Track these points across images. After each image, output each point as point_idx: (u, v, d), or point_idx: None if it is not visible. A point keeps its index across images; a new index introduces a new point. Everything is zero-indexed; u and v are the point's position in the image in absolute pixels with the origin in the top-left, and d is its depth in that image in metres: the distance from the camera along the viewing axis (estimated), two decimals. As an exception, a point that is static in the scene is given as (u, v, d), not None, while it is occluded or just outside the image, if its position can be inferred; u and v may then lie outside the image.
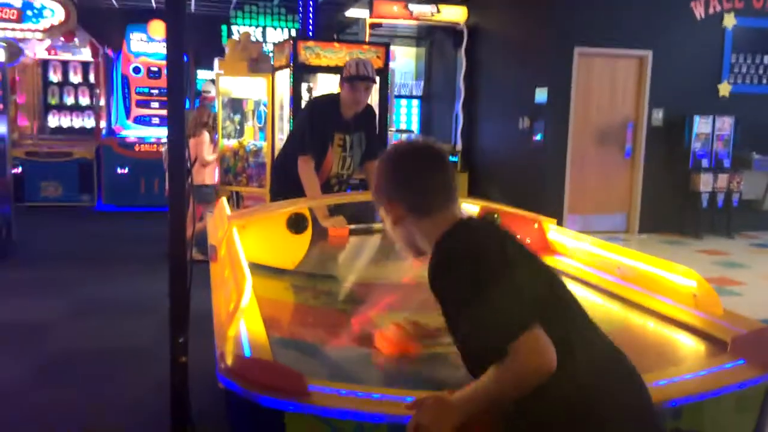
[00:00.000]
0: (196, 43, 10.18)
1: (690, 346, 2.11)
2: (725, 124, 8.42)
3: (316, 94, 6.96)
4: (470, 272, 1.43)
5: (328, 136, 3.71)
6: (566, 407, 1.40)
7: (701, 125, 8.34)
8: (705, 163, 8.41)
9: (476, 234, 1.56)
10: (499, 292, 1.40)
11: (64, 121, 10.64)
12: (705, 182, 8.34)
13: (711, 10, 8.51)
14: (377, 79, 3.70)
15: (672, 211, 8.60)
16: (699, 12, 8.49)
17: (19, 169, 8.95)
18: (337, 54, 6.61)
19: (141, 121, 10.74)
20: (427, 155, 1.65)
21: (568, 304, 1.53)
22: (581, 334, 1.49)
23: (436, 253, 1.54)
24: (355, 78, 3.64)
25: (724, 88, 8.69)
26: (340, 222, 3.47)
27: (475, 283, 1.41)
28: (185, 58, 2.28)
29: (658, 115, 8.54)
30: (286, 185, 3.75)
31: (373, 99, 6.73)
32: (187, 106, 8.73)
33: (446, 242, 1.54)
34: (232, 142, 7.51)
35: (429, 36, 11.74)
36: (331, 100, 3.84)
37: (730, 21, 8.57)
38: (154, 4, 10.97)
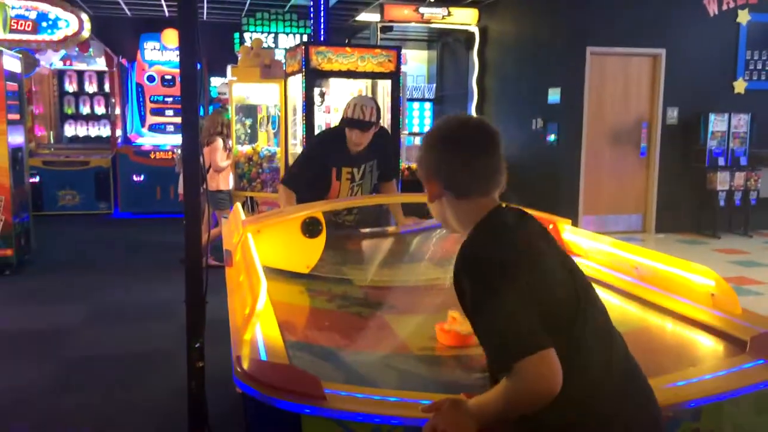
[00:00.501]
0: (208, 50, 10.24)
1: (708, 346, 2.09)
2: (741, 121, 8.33)
3: (328, 98, 6.99)
4: (489, 279, 1.39)
5: (329, 170, 3.63)
6: (572, 415, 1.39)
7: (717, 123, 8.27)
8: (721, 161, 8.33)
9: (505, 236, 1.48)
10: (512, 306, 1.35)
11: (80, 130, 10.77)
12: (722, 181, 8.26)
13: (725, 7, 8.44)
14: (377, 118, 3.59)
15: (689, 210, 8.53)
16: (712, 8, 8.42)
17: (37, 179, 9.07)
18: (348, 58, 6.63)
19: (156, 128, 10.84)
20: (475, 135, 1.54)
21: (586, 311, 1.47)
22: (593, 343, 1.44)
23: (464, 247, 1.48)
24: (349, 122, 3.53)
25: (740, 85, 8.60)
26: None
27: (491, 292, 1.38)
28: (198, 66, 2.30)
29: (673, 113, 8.47)
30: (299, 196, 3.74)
31: (385, 102, 6.76)
32: (201, 112, 8.80)
33: (476, 237, 1.49)
34: (246, 148, 7.55)
35: (440, 39, 11.74)
36: (338, 134, 3.69)
37: (744, 17, 8.49)
38: (167, 13, 11.06)
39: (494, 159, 1.53)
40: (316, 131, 6.43)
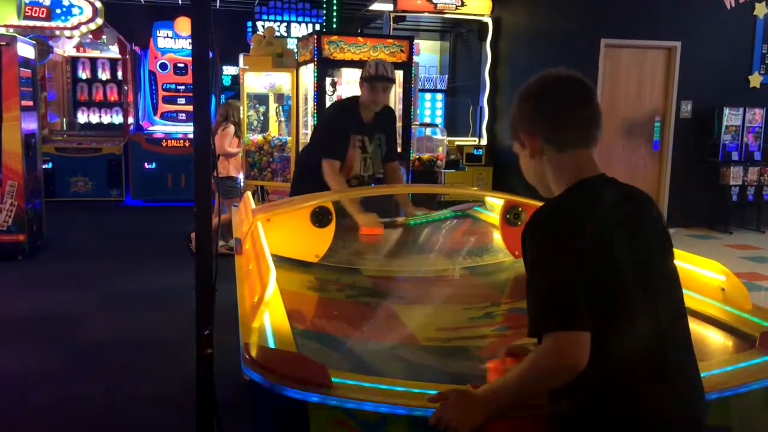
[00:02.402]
0: (221, 39, 10.24)
1: (718, 341, 2.08)
2: (756, 116, 8.25)
3: (340, 88, 6.97)
4: (545, 246, 1.40)
5: (347, 138, 3.72)
6: (594, 398, 1.39)
7: (731, 117, 8.19)
8: (735, 155, 8.26)
9: (579, 210, 1.44)
10: (558, 278, 1.36)
11: (93, 117, 10.80)
12: (735, 175, 8.19)
13: None
14: (396, 79, 3.71)
15: (701, 204, 8.46)
16: (729, 1, 8.32)
17: (50, 165, 9.13)
18: (361, 48, 6.61)
19: (168, 116, 10.87)
20: (572, 86, 1.52)
21: (643, 306, 1.42)
22: (632, 336, 1.40)
23: (539, 209, 1.48)
24: (374, 78, 3.67)
25: (755, 79, 8.51)
26: (373, 221, 3.48)
27: (543, 260, 1.39)
28: (211, 54, 2.30)
29: (687, 107, 8.40)
30: (306, 186, 3.76)
31: (397, 93, 6.73)
32: (213, 101, 8.81)
33: (554, 203, 1.48)
34: (257, 137, 7.56)
35: (453, 29, 11.68)
36: (350, 102, 3.89)
37: (761, 10, 8.39)
38: (180, 1, 11.07)
39: (592, 110, 1.51)
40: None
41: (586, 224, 1.41)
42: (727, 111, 8.16)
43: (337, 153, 3.69)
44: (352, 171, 3.80)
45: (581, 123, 1.51)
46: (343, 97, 5.53)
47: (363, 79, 3.73)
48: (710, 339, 2.11)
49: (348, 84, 7.02)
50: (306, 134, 6.93)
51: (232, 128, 6.57)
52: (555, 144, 1.51)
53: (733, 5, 8.34)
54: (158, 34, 10.70)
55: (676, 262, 2.42)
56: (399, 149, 4.50)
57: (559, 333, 1.34)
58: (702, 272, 2.30)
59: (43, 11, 8.47)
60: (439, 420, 1.40)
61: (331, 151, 3.69)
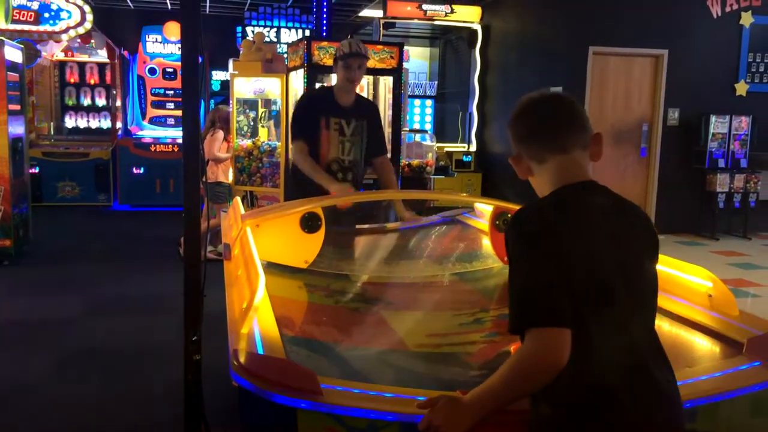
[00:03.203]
0: (210, 44, 10.22)
1: (705, 347, 2.09)
2: (742, 123, 8.33)
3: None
4: (524, 244, 1.44)
5: (319, 120, 3.72)
6: (575, 403, 1.39)
7: (718, 125, 8.26)
8: (721, 163, 8.33)
9: (556, 210, 1.48)
10: (538, 275, 1.39)
11: (80, 122, 10.75)
12: (721, 182, 8.26)
13: (728, 8, 8.43)
14: (369, 55, 3.74)
15: (688, 211, 8.53)
16: (716, 10, 8.41)
17: (37, 170, 9.06)
18: (350, 54, 6.62)
19: (157, 121, 10.83)
20: (541, 101, 1.61)
21: (618, 308, 1.43)
22: (610, 339, 1.41)
23: (520, 209, 1.53)
24: (349, 55, 3.67)
25: (741, 88, 8.60)
26: (344, 189, 3.49)
27: (522, 257, 1.43)
28: (200, 59, 2.29)
29: (674, 114, 8.47)
30: (299, 191, 3.75)
31: (387, 99, 6.75)
32: (203, 106, 8.79)
33: (534, 203, 1.53)
34: (246, 142, 7.54)
35: (443, 36, 11.73)
36: (325, 89, 3.97)
37: (747, 19, 8.48)
38: (169, 6, 11.04)
39: (560, 117, 1.57)
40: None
41: (567, 223, 1.45)
42: (713, 119, 8.23)
43: (303, 133, 3.72)
44: (330, 154, 3.77)
45: (548, 131, 1.56)
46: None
47: (338, 59, 3.73)
48: (697, 345, 2.12)
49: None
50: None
51: (221, 133, 6.57)
52: (533, 158, 1.58)
53: (720, 14, 8.43)
54: (147, 39, 10.67)
55: (664, 268, 2.45)
56: (389, 155, 4.48)
57: (539, 329, 1.35)
58: (689, 278, 2.32)
59: (31, 15, 8.42)
60: (428, 426, 1.40)
61: (296, 131, 3.74)
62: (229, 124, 6.80)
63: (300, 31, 11.22)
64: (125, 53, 10.65)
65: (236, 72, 7.64)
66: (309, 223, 2.98)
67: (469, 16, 10.21)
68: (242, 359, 1.60)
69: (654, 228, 1.62)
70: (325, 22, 9.08)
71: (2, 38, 6.23)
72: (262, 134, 7.73)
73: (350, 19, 11.62)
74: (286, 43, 10.11)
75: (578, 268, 1.40)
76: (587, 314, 1.38)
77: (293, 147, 3.74)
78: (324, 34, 9.02)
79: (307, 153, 3.68)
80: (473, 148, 10.42)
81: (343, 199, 3.51)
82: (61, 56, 10.40)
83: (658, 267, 2.44)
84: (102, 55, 10.31)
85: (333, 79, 7.02)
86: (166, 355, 3.82)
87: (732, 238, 8.40)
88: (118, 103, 10.29)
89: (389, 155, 4.72)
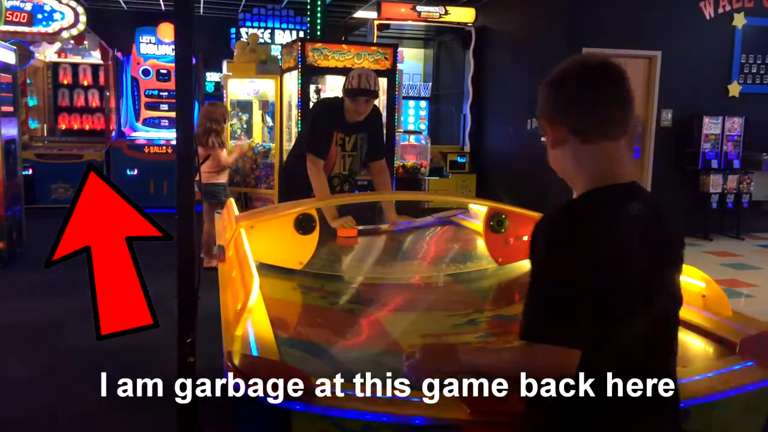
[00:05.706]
0: (204, 45, 10.21)
1: (698, 347, 2.10)
2: (735, 124, 8.36)
3: (324, 95, 6.98)
4: (548, 253, 1.34)
5: (332, 136, 3.74)
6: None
7: (711, 126, 8.30)
8: (714, 164, 8.36)
9: (591, 221, 1.35)
10: (567, 291, 1.29)
11: (74, 123, 10.70)
12: (715, 183, 8.29)
13: (720, 10, 8.46)
14: (379, 90, 3.70)
15: (681, 212, 8.55)
16: (708, 12, 8.44)
17: (30, 171, 9.02)
18: (345, 56, 6.62)
19: (150, 123, 10.79)
20: (600, 73, 1.41)
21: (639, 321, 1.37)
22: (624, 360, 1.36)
23: (550, 212, 1.39)
24: (356, 92, 3.65)
25: (734, 89, 8.63)
26: (348, 222, 3.48)
27: (546, 265, 1.33)
28: (194, 61, 2.29)
29: (667, 115, 8.49)
30: (294, 191, 3.76)
31: (381, 100, 6.74)
32: (197, 107, 8.77)
33: (566, 208, 1.39)
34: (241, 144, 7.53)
35: (437, 37, 11.74)
36: (335, 102, 3.91)
37: (740, 20, 8.52)
38: (163, 7, 11.01)
39: (621, 98, 1.40)
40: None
41: (603, 235, 1.34)
42: (706, 120, 8.27)
43: (323, 151, 3.72)
44: (333, 169, 3.81)
45: (607, 112, 1.40)
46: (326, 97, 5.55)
47: (345, 91, 3.71)
48: (691, 345, 2.13)
49: (332, 91, 7.03)
50: (290, 141, 6.91)
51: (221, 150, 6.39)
52: (576, 132, 1.41)
53: (713, 16, 8.46)
54: (141, 40, 10.64)
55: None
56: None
57: (553, 347, 1.30)
58: (682, 279, 2.31)
59: (24, 16, 8.39)
60: (411, 362, 1.45)
61: (316, 148, 3.72)
62: (226, 121, 6.63)
63: (294, 33, 11.22)
64: (119, 55, 10.61)
65: (230, 73, 7.64)
66: (303, 225, 2.98)
67: (463, 18, 10.23)
68: (236, 361, 1.60)
69: (684, 240, 1.55)
70: (319, 23, 9.08)
71: (-5, 39, 6.21)
72: (257, 135, 7.73)
73: (344, 21, 11.62)
74: (281, 45, 10.11)
75: (605, 284, 1.31)
76: (604, 329, 1.32)
77: (309, 161, 3.69)
78: (318, 35, 9.03)
79: (321, 170, 3.68)
80: (467, 149, 10.43)
81: (334, 202, 3.52)
82: (54, 58, 10.36)
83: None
84: (95, 57, 10.27)
85: (327, 81, 7.06)
86: (160, 357, 3.80)
87: (725, 239, 8.44)
88: (112, 104, 10.25)
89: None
